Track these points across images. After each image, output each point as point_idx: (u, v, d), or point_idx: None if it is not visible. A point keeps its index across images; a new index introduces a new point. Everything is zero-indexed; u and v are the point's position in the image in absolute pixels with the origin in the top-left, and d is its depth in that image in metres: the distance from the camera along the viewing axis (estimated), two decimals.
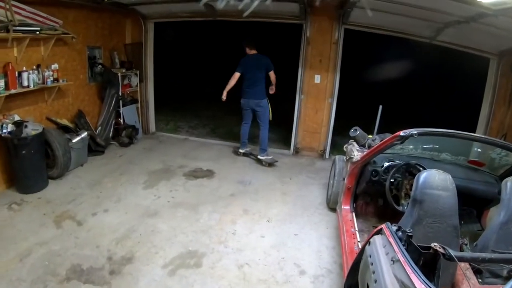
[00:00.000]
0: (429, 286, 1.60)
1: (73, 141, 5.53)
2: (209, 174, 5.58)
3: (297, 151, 6.61)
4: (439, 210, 2.21)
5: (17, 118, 4.91)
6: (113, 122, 6.71)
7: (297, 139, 6.56)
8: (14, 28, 4.53)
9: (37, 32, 4.92)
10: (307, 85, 6.22)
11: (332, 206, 4.45)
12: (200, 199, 4.76)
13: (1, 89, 4.58)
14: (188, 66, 12.58)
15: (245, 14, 5.74)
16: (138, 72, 7.26)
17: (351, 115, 7.73)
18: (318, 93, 6.22)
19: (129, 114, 7.13)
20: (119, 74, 6.68)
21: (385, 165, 3.55)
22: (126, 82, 7.10)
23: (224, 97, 6.10)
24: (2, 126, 4.67)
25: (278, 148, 6.85)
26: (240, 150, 6.54)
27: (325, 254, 3.72)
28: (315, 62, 6.11)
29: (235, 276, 3.35)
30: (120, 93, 6.75)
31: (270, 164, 6.16)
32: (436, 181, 2.30)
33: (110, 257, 3.55)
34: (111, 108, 6.65)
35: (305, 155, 6.53)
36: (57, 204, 4.54)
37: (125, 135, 6.73)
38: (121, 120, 6.88)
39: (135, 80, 7.28)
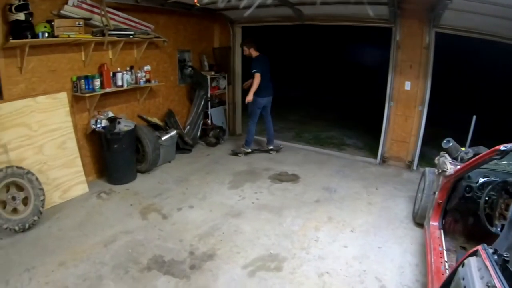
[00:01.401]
0: None
1: (162, 138, 5.79)
2: (294, 178, 5.48)
3: (384, 160, 6.23)
4: None
5: (111, 114, 5.28)
6: (201, 122, 6.95)
7: (384, 147, 6.19)
8: (109, 32, 4.99)
9: (131, 36, 5.32)
10: (397, 92, 5.86)
11: (419, 221, 4.12)
12: (284, 203, 4.68)
13: (97, 87, 5.01)
14: (274, 70, 12.66)
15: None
16: (226, 75, 7.46)
17: (440, 124, 7.17)
18: (408, 100, 5.83)
19: (216, 115, 7.34)
20: (208, 77, 6.92)
21: (480, 181, 3.20)
22: (214, 84, 7.31)
23: (251, 98, 6.30)
24: (96, 121, 5.03)
25: (364, 156, 6.54)
26: (246, 150, 6.62)
27: (408, 271, 3.42)
28: (405, 68, 5.74)
29: (315, 284, 3.21)
30: (208, 95, 6.98)
31: (277, 151, 6.78)
32: None
33: (192, 252, 3.61)
34: (200, 109, 6.88)
35: (392, 164, 6.14)
36: (144, 197, 4.76)
37: (212, 136, 6.92)
38: (209, 121, 7.09)
39: (223, 83, 7.48)
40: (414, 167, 5.94)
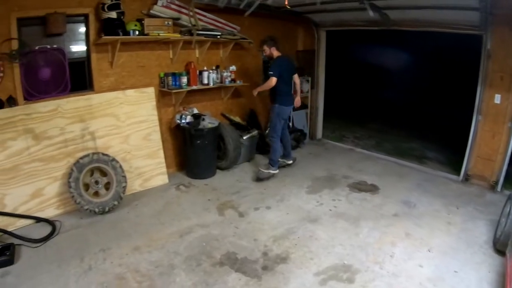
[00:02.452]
0: None
1: (244, 137, 5.94)
2: (373, 189, 5.33)
3: (466, 178, 5.73)
4: None
5: (195, 111, 5.52)
6: None
7: (468, 164, 5.72)
8: (197, 32, 5.27)
9: (218, 37, 5.58)
10: (486, 105, 5.37)
11: (500, 248, 3.78)
12: (362, 214, 4.57)
13: (184, 84, 5.31)
14: (356, 76, 12.36)
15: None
16: (309, 79, 7.45)
17: None
18: (497, 115, 5.30)
19: (298, 119, 7.36)
20: None
21: None
22: None
23: (256, 92, 5.69)
24: (181, 116, 5.29)
25: (445, 171, 6.13)
26: (274, 171, 5.59)
27: None
28: (496, 79, 5.24)
29: None
30: None
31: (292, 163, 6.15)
32: None
33: (265, 253, 3.66)
34: None
35: (474, 183, 5.67)
36: (222, 193, 4.93)
37: (292, 138, 6.90)
38: (290, 124, 7.10)
39: (306, 86, 7.44)
40: (499, 188, 5.46)
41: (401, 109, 10.64)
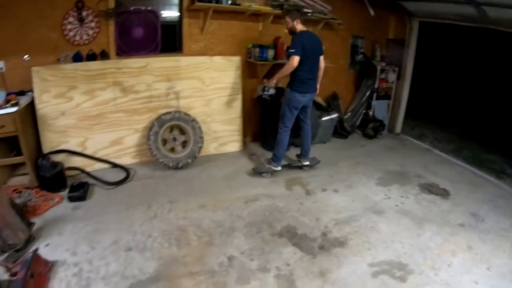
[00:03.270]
0: None
1: (323, 119, 6.03)
2: (444, 193, 5.21)
3: None
4: None
5: (279, 85, 5.64)
6: (363, 112, 6.95)
7: None
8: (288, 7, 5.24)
9: (309, 14, 5.58)
10: None
11: None
12: (428, 216, 4.53)
13: (271, 57, 5.58)
14: (445, 74, 11.70)
15: None
16: (396, 69, 7.23)
17: None
18: None
19: (379, 109, 7.26)
20: (379, 67, 6.85)
21: None
22: (383, 76, 7.17)
23: (274, 82, 4.95)
24: (264, 88, 5.44)
25: None
26: (275, 168, 5.01)
27: None
28: None
29: None
30: (375, 86, 6.91)
31: (312, 166, 5.32)
32: None
33: (325, 233, 3.81)
34: (364, 98, 6.92)
35: None
36: (293, 169, 5.05)
37: (371, 128, 6.89)
38: (371, 113, 7.05)
39: (392, 76, 7.27)
40: None
41: (488, 116, 10.06)
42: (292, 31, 4.66)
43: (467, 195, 5.32)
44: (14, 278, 3.00)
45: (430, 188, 5.29)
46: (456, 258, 3.82)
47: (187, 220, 3.79)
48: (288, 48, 4.61)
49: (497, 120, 9.79)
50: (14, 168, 4.66)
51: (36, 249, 3.35)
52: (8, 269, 3.13)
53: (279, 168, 5.02)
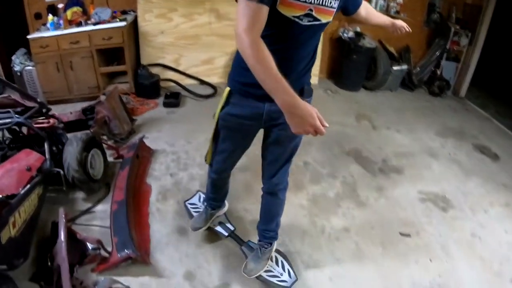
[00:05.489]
0: None
1: (394, 68, 6.51)
2: (494, 157, 5.52)
3: None
4: None
5: (358, 30, 6.14)
6: (431, 70, 7.37)
7: None
8: None
9: None
10: None
11: None
12: (475, 170, 5.00)
13: None
14: None
15: None
16: (469, 34, 7.39)
17: None
18: None
19: (447, 69, 7.57)
20: (452, 29, 7.10)
21: None
22: (455, 39, 7.40)
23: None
24: (344, 30, 5.94)
25: None
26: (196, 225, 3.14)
27: None
28: None
29: (465, 238, 3.75)
30: (447, 47, 7.26)
31: None
32: None
33: (385, 160, 4.57)
34: (434, 56, 7.27)
35: None
36: (362, 106, 5.79)
37: (437, 86, 7.30)
38: (439, 71, 7.44)
39: (464, 41, 7.45)
40: None
41: None
42: None
43: None
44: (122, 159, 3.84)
45: (482, 149, 5.81)
46: (493, 209, 4.41)
47: None
48: None
49: None
50: (113, 77, 5.50)
51: (143, 136, 4.25)
52: (116, 152, 4.00)
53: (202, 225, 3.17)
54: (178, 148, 4.31)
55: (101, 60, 5.14)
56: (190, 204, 3.49)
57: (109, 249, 2.80)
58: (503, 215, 4.36)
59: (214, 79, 5.82)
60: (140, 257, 2.78)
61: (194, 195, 3.60)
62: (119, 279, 2.56)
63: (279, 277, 2.82)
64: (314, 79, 6.23)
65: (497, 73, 10.19)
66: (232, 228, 3.23)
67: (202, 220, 3.11)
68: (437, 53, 7.29)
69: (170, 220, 3.37)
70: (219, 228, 3.21)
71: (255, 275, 2.73)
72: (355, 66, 6.11)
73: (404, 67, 6.73)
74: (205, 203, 3.17)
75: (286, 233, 3.31)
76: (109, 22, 5.00)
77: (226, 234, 3.16)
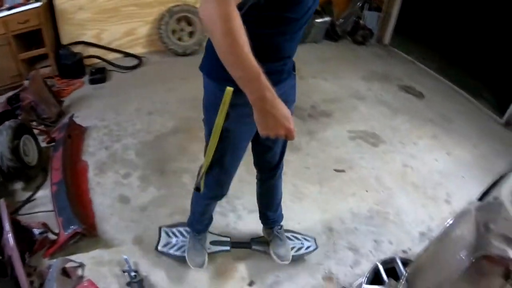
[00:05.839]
0: None
1: (317, 20, 6.62)
2: (419, 95, 5.88)
3: (508, 123, 5.71)
4: None
5: None
6: (354, 20, 7.54)
7: None
8: None
9: None
10: None
11: None
12: (402, 109, 5.30)
13: None
14: None
15: None
16: None
17: None
18: None
19: (370, 19, 7.81)
20: None
21: None
22: None
23: None
24: None
25: (490, 110, 6.18)
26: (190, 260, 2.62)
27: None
28: None
29: (397, 169, 3.98)
30: None
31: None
32: None
33: (313, 106, 4.68)
34: (356, 7, 7.46)
35: None
36: None
37: (360, 35, 7.50)
38: (362, 22, 7.64)
39: None
40: None
41: (482, 43, 10.44)
42: None
43: (441, 101, 6.07)
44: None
45: (407, 89, 6.07)
46: (422, 141, 4.69)
47: (199, 91, 4.46)
48: None
49: (490, 47, 10.24)
50: (34, 62, 5.23)
51: (72, 115, 4.11)
52: (47, 136, 3.86)
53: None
54: (109, 122, 4.20)
55: (19, 46, 4.84)
56: (164, 247, 2.75)
57: (56, 231, 2.74)
58: (432, 146, 4.65)
59: (137, 50, 5.68)
60: (86, 230, 2.76)
61: (160, 235, 2.82)
62: (71, 258, 2.53)
63: (304, 247, 2.86)
64: None
65: (420, 20, 10.62)
66: (228, 239, 2.88)
67: (200, 251, 2.65)
68: (359, 4, 7.46)
69: (111, 192, 3.33)
70: (217, 248, 2.80)
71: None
72: None
73: (327, 18, 6.85)
74: (194, 231, 2.67)
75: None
76: (23, 4, 4.72)
77: (228, 248, 2.82)
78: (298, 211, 3.27)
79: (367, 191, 3.65)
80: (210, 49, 1.67)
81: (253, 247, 2.86)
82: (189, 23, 5.65)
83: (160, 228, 2.86)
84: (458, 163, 4.46)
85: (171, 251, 2.72)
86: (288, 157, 3.72)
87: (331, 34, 7.17)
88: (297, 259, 2.81)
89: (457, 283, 1.42)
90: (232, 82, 1.33)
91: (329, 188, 3.58)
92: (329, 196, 3.49)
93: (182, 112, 4.12)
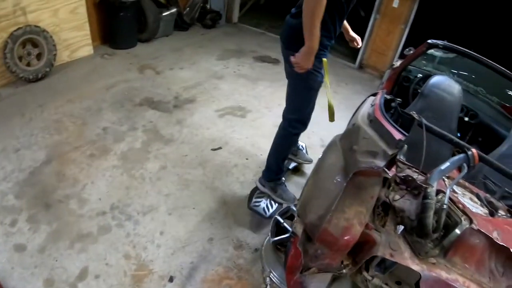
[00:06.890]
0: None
1: (163, 14, 6.69)
2: (275, 62, 6.42)
3: (361, 67, 7.04)
4: (440, 109, 2.60)
5: None
6: (201, 6, 7.74)
7: (364, 55, 6.96)
8: None
9: None
10: (384, 7, 6.45)
11: None
12: (261, 77, 5.71)
13: None
14: None
15: None
16: None
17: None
18: (393, 16, 6.41)
19: (215, 3, 8.06)
20: None
21: (418, 76, 3.63)
22: None
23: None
24: None
25: (344, 60, 7.25)
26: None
27: None
28: None
29: (269, 130, 4.24)
30: None
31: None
32: (445, 84, 2.74)
33: (176, 97, 4.78)
34: None
35: (368, 72, 6.93)
36: (142, 58, 5.82)
37: (209, 18, 7.73)
38: (208, 6, 7.88)
39: None
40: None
41: None
42: None
43: None
44: None
45: (263, 59, 6.48)
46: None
47: (59, 114, 4.28)
48: None
49: None
50: None
51: None
52: None
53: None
54: None
55: None
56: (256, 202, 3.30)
57: None
58: None
59: None
60: None
61: (260, 199, 3.32)
62: None
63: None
64: (88, 50, 6.05)
65: None
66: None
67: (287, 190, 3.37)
68: None
69: (4, 245, 2.92)
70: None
71: None
72: (125, 23, 6.05)
73: (173, 10, 6.94)
74: (280, 177, 3.35)
75: (112, 196, 3.35)
76: None
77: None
78: (187, 197, 3.39)
79: (247, 158, 3.92)
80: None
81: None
82: (35, 45, 5.38)
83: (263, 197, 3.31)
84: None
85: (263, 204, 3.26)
86: (164, 150, 3.89)
87: (180, 24, 7.28)
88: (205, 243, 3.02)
89: (341, 202, 1.66)
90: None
91: (211, 167, 3.76)
92: (214, 174, 3.68)
93: (48, 138, 3.99)
